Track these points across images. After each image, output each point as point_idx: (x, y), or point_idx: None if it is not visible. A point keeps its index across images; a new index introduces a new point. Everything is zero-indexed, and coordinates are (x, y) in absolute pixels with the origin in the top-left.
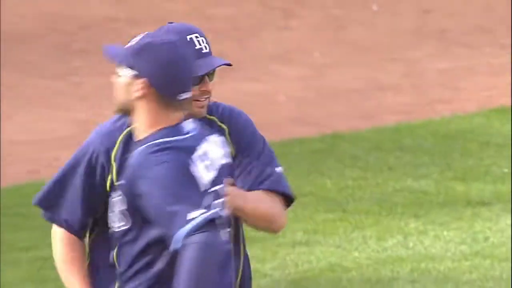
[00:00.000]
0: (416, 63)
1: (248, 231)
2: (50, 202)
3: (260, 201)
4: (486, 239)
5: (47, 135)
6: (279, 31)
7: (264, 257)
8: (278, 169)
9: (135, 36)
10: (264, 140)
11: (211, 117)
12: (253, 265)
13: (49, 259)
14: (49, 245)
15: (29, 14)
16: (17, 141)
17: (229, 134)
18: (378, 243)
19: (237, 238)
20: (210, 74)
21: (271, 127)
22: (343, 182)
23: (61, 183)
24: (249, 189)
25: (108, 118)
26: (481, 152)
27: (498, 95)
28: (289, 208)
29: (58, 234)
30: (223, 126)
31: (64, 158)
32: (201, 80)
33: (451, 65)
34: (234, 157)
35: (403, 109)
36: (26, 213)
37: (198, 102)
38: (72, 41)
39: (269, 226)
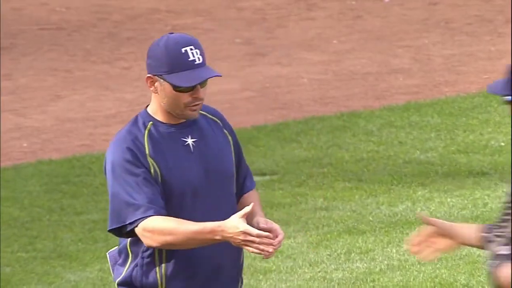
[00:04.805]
0: (423, 49)
1: (275, 197)
2: (130, 212)
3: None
4: (485, 204)
5: (98, 113)
6: (303, 21)
7: (288, 221)
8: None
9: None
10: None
11: (202, 112)
12: None
13: (99, 222)
14: (99, 209)
15: (79, 5)
16: (72, 118)
17: (223, 126)
18: (390, 208)
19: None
20: (202, 83)
21: (295, 106)
22: (359, 155)
23: (123, 191)
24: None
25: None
26: (481, 128)
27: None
28: (311, 177)
29: (149, 223)
30: (215, 119)
31: (113, 132)
32: (193, 87)
33: (454, 52)
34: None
35: (412, 90)
36: (79, 182)
37: (191, 106)
38: (121, 30)
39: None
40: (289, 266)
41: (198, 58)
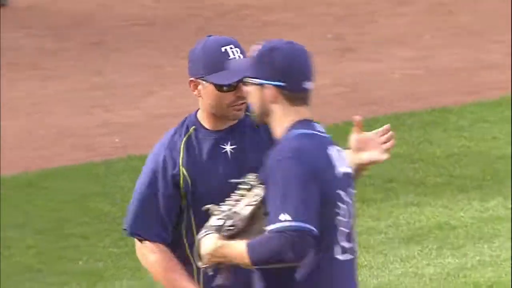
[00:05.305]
0: None
1: (366, 192)
2: (140, 223)
3: None
4: None
5: (188, 108)
6: (393, 17)
7: (380, 217)
8: None
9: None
10: None
11: (249, 114)
12: (369, 223)
13: None
14: None
15: (169, 1)
16: (163, 114)
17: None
18: (481, 204)
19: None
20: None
21: (385, 102)
22: (450, 150)
23: (144, 203)
24: None
25: None
26: None
27: None
28: (402, 173)
29: (148, 247)
30: None
31: None
32: (236, 86)
33: None
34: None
35: (504, 85)
36: None
37: (235, 106)
38: (211, 26)
39: None
40: (380, 262)
41: (239, 56)
